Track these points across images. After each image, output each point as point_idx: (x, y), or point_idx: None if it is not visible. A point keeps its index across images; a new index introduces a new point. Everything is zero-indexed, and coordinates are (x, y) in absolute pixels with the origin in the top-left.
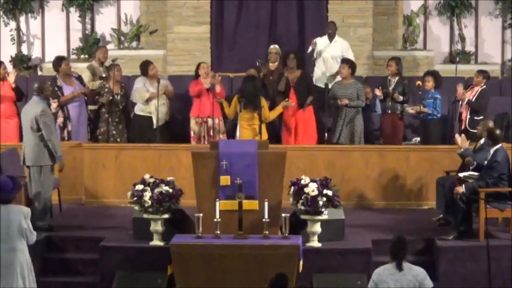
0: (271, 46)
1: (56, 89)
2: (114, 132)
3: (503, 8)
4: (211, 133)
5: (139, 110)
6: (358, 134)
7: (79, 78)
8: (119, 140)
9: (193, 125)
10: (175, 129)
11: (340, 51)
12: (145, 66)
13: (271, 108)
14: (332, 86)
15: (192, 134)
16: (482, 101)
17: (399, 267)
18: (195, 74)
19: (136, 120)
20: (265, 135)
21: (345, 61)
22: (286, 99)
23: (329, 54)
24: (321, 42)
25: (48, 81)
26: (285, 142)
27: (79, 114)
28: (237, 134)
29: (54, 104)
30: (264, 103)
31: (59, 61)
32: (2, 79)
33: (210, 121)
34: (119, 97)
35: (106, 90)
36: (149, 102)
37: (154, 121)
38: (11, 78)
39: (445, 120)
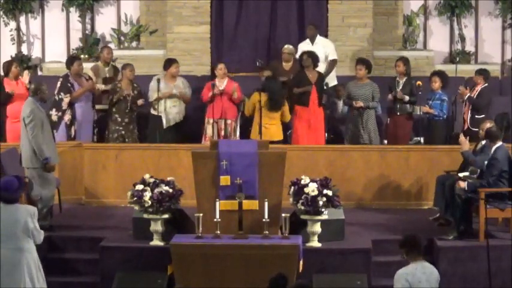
0: (285, 46)
1: (69, 85)
2: (123, 132)
3: (503, 8)
4: (223, 133)
5: (152, 109)
6: (370, 135)
7: (88, 80)
8: (127, 140)
9: (206, 124)
10: (189, 130)
11: (323, 52)
12: (169, 63)
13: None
14: (347, 86)
15: (204, 133)
16: (483, 100)
17: (423, 259)
18: (212, 74)
19: (150, 120)
20: (280, 136)
21: (361, 61)
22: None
23: None
24: (304, 46)
25: (48, 81)
26: (296, 140)
27: (84, 113)
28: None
29: (66, 99)
30: (286, 104)
31: (71, 61)
32: (16, 78)
33: (222, 122)
34: (130, 97)
35: (118, 90)
36: (158, 102)
37: (164, 121)
38: (25, 78)
39: (447, 120)
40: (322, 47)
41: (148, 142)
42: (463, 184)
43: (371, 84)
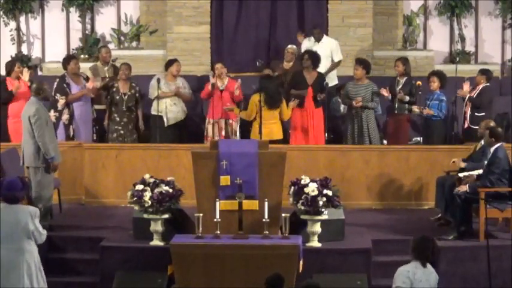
0: (289, 46)
1: (65, 85)
2: (122, 132)
3: (503, 8)
4: (223, 133)
5: (152, 109)
6: (371, 135)
7: (87, 79)
8: (126, 139)
9: (207, 125)
10: (190, 129)
11: (329, 51)
12: (170, 62)
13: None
14: (346, 86)
15: (205, 133)
16: (484, 98)
17: (424, 266)
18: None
19: (150, 119)
20: (280, 135)
21: (359, 62)
22: (293, 99)
23: None
24: (307, 43)
25: (48, 81)
26: (294, 142)
27: (83, 113)
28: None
29: (61, 101)
30: (284, 102)
31: (67, 60)
32: (18, 78)
33: (222, 122)
34: (126, 97)
35: (114, 89)
36: (158, 101)
37: (165, 120)
38: (25, 76)
39: (445, 120)
40: (328, 46)
41: (149, 142)
42: (464, 187)
43: (370, 85)
